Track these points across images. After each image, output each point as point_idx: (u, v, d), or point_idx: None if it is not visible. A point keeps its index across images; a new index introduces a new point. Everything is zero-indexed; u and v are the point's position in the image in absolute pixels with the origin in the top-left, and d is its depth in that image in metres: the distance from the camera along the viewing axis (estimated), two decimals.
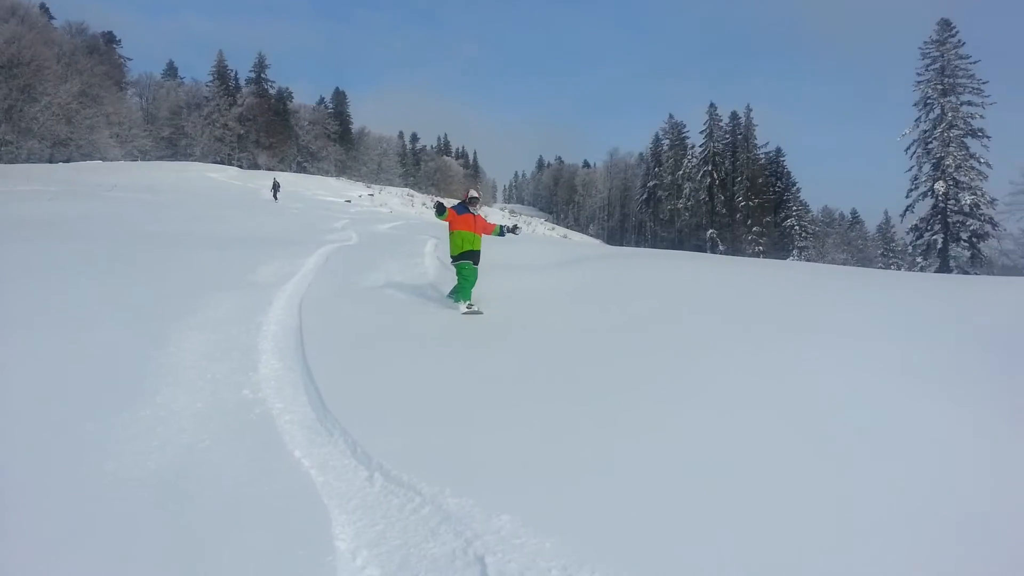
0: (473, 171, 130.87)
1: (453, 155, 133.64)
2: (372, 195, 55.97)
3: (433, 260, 14.56)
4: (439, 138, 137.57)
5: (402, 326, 8.59)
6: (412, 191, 70.93)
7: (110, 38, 76.84)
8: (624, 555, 3.15)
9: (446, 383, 6.17)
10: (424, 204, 56.85)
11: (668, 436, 4.72)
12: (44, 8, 66.02)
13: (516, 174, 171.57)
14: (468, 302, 9.34)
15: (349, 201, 46.95)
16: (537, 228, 55.68)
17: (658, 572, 3.01)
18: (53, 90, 53.00)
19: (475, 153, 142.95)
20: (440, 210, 9.30)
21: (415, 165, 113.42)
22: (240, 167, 72.00)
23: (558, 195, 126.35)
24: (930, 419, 4.83)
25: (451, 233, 9.63)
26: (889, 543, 3.23)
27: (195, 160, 71.56)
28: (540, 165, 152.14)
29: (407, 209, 51.45)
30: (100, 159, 55.71)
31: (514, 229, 11.16)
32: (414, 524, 3.45)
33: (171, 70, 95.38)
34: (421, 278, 12.54)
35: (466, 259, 9.56)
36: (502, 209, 76.94)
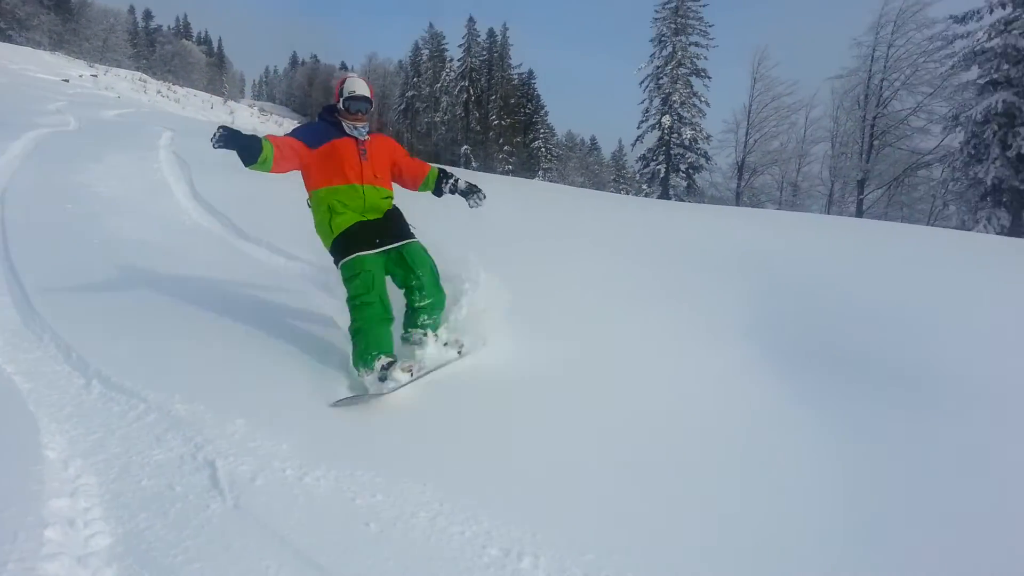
0: (218, 60, 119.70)
1: (195, 40, 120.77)
2: (96, 76, 49.14)
3: (168, 155, 13.29)
4: (178, 19, 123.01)
5: (127, 224, 7.83)
6: (145, 76, 63.34)
7: None
8: (356, 453, 3.24)
9: (176, 282, 5.76)
10: (160, 92, 51.28)
11: None
12: None
13: (267, 69, 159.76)
14: (391, 362, 4.01)
15: (67, 81, 40.82)
16: (288, 129, 52.90)
17: (392, 471, 3.13)
18: None
19: (220, 40, 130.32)
20: (250, 148, 3.75)
21: (149, 47, 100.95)
22: None
23: (313, 96, 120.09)
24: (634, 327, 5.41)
25: (313, 194, 4.44)
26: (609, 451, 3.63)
27: None
28: (294, 62, 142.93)
29: (139, 95, 46.07)
30: None
31: (471, 191, 4.94)
32: (137, 431, 3.24)
33: None
34: (153, 174, 11.43)
35: (362, 246, 4.27)
36: (251, 106, 71.50)
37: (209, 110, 49.18)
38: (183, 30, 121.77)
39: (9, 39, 70.98)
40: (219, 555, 2.46)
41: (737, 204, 37.63)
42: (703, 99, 42.24)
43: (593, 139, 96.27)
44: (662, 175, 41.58)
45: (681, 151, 41.59)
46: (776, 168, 38.62)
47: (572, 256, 7.22)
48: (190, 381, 3.76)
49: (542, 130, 75.94)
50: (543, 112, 78.33)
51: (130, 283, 5.68)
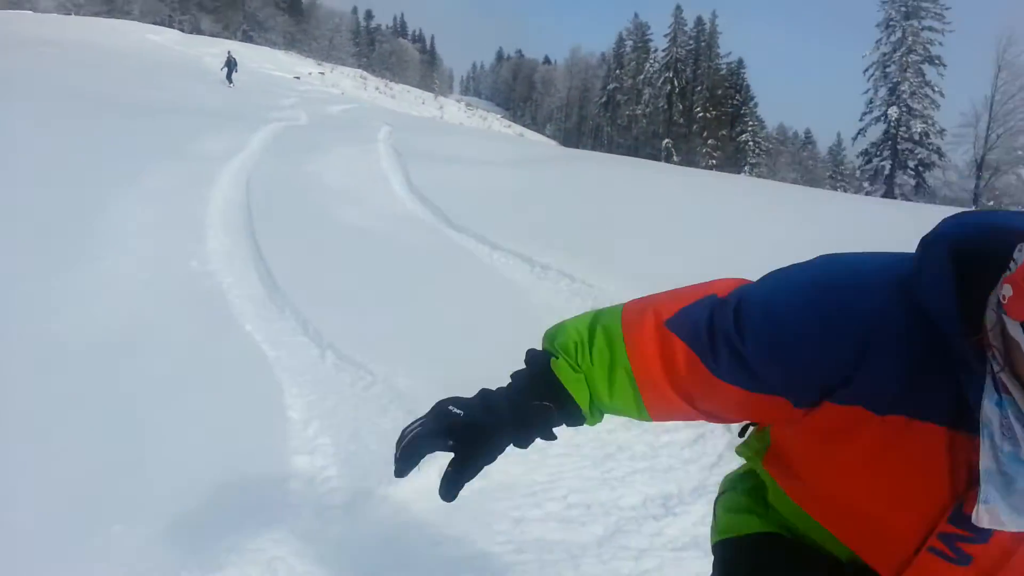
0: (430, 57, 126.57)
1: (409, 38, 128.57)
2: (323, 74, 53.80)
3: (387, 148, 14.28)
4: (395, 18, 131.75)
5: (350, 211, 8.52)
6: (366, 73, 68.37)
7: None
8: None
9: (394, 267, 6.22)
10: (377, 88, 55.09)
11: None
12: None
13: (475, 65, 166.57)
14: None
15: (298, 78, 45.02)
16: (493, 124, 54.64)
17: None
18: None
19: (432, 38, 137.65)
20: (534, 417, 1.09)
21: (369, 45, 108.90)
22: (182, 31, 68.05)
23: (516, 91, 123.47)
24: None
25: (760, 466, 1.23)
26: None
27: (133, 19, 67.23)
28: (500, 57, 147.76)
29: (360, 92, 49.84)
30: (30, 9, 51.87)
31: None
32: (365, 401, 3.56)
33: None
34: (373, 165, 12.33)
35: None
36: (458, 101, 75.11)
37: (421, 105, 52.16)
38: (400, 28, 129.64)
39: (250, 39, 79.38)
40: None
41: (975, 206, 34.08)
42: (937, 89, 38.63)
43: (808, 132, 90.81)
44: (887, 172, 38.56)
45: (910, 146, 38.32)
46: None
47: None
48: (410, 358, 4.06)
49: (751, 122, 72.91)
50: (752, 103, 75.19)
51: (356, 264, 6.21)
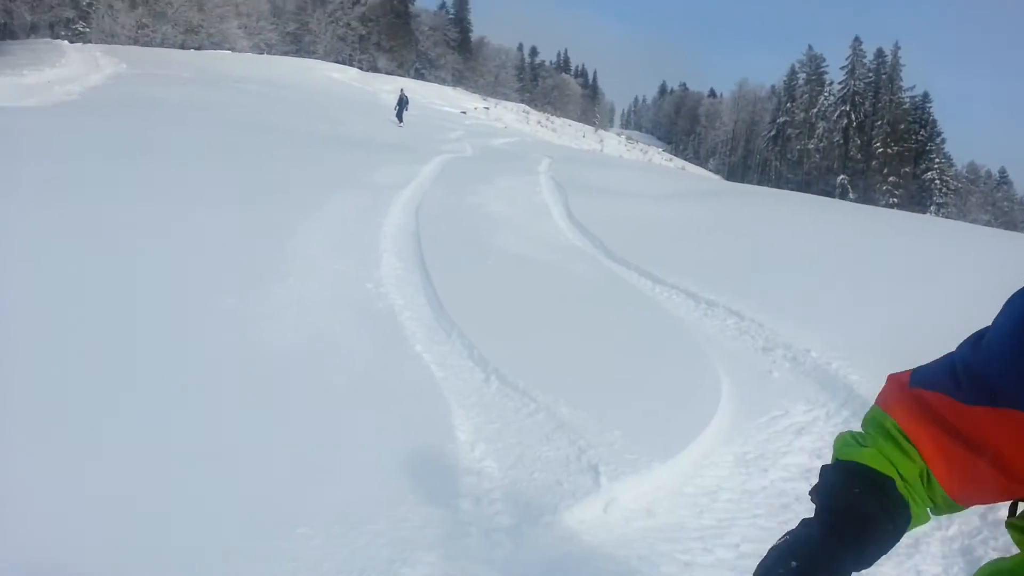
0: (591, 92, 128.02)
1: (572, 73, 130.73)
2: (487, 108, 55.78)
3: (548, 179, 14.55)
4: (559, 54, 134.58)
5: (512, 240, 8.72)
6: (528, 107, 70.20)
7: None
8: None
9: (555, 296, 6.30)
10: (539, 122, 56.35)
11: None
12: None
13: (636, 99, 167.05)
14: None
15: (464, 112, 46.99)
16: (654, 158, 54.30)
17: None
18: None
19: (595, 73, 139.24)
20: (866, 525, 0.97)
21: (532, 81, 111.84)
22: (360, 69, 72.92)
23: (679, 124, 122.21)
24: None
25: None
26: None
27: (317, 58, 72.82)
28: (662, 91, 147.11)
29: (522, 125, 51.21)
30: (228, 49, 57.52)
31: None
32: (529, 427, 3.62)
33: None
34: (534, 197, 12.59)
35: None
36: (619, 135, 75.26)
37: (581, 138, 52.76)
38: (563, 64, 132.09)
39: (422, 76, 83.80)
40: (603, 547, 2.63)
41: None
42: None
43: (1003, 171, 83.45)
44: None
45: None
46: None
47: None
48: (573, 387, 4.08)
49: (937, 159, 68.00)
50: (939, 139, 70.18)
51: (518, 292, 6.34)
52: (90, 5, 44.61)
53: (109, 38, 46.79)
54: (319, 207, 8.82)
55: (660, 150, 72.58)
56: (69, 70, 24.43)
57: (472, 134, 27.93)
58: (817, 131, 76.03)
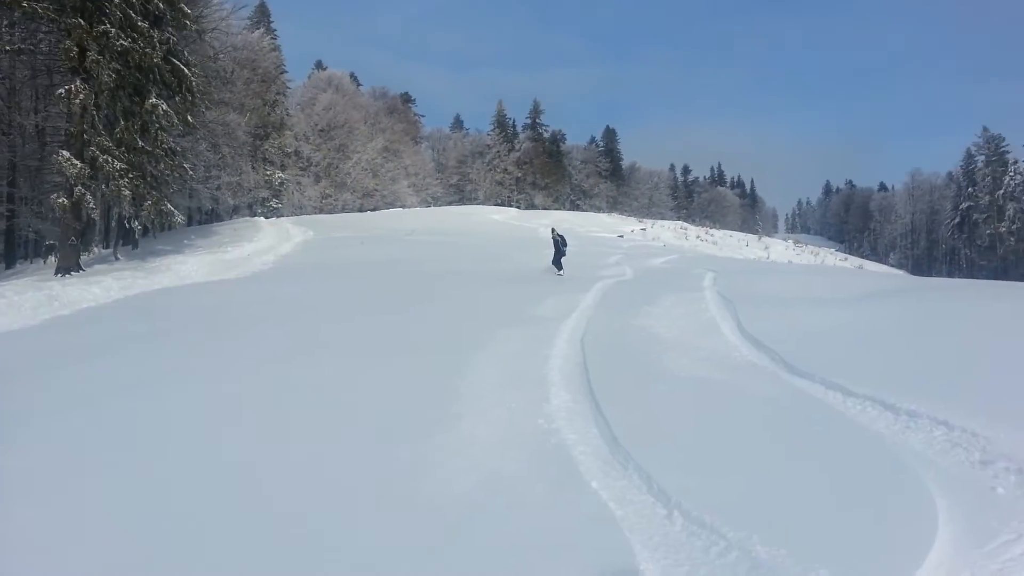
0: (750, 200, 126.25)
1: (728, 185, 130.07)
2: (644, 229, 56.17)
3: (714, 294, 14.17)
4: (712, 168, 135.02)
5: (682, 362, 8.43)
6: (685, 224, 70.08)
7: (407, 98, 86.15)
8: None
9: (734, 419, 5.92)
10: (698, 236, 55.90)
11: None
12: (353, 77, 75.70)
13: (800, 202, 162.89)
14: None
15: (622, 236, 47.55)
16: (827, 259, 51.85)
17: None
18: (362, 148, 61.15)
19: (752, 181, 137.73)
20: None
21: (687, 197, 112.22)
22: (518, 208, 76.56)
23: (849, 222, 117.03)
24: None
25: None
26: None
27: (478, 203, 77.45)
28: (827, 190, 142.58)
29: (680, 242, 50.92)
30: (400, 206, 62.58)
31: None
32: (722, 568, 3.32)
33: (458, 123, 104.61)
34: (701, 313, 12.25)
35: None
36: (785, 240, 72.88)
37: (744, 248, 51.58)
38: (717, 178, 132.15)
39: (576, 207, 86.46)
40: None
41: None
42: None
43: None
44: None
45: None
46: None
47: None
48: (766, 521, 3.73)
49: None
50: None
51: (694, 418, 6.03)
52: (281, 184, 50.35)
53: (298, 210, 52.44)
54: (485, 346, 9.04)
55: (832, 250, 69.16)
56: (265, 243, 27.39)
57: (631, 256, 28.05)
58: (1008, 213, 70.01)
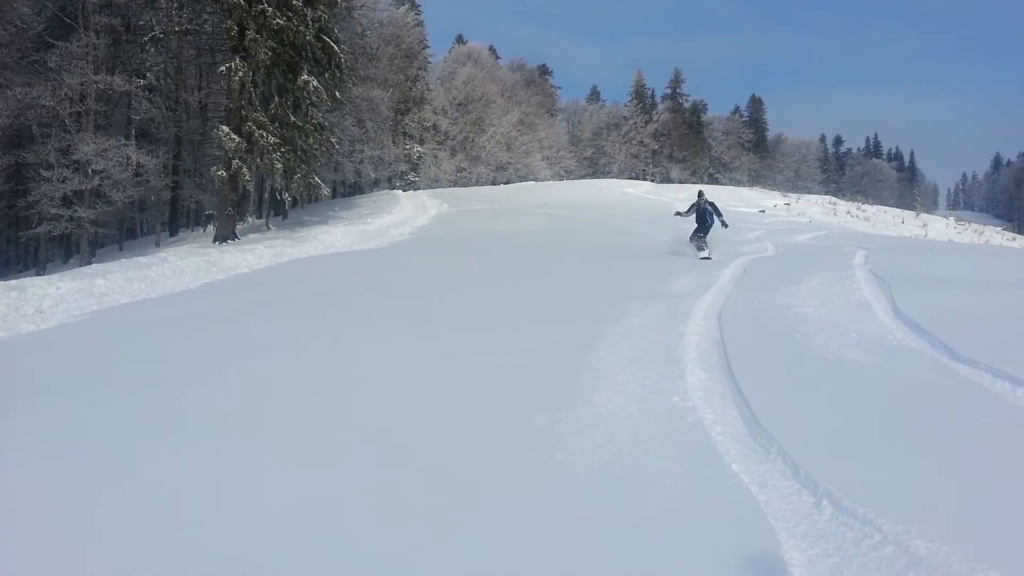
0: (909, 174, 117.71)
1: (884, 157, 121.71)
2: (788, 204, 53.51)
3: (865, 273, 13.32)
4: (868, 139, 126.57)
5: (830, 344, 7.97)
6: (835, 199, 66.18)
7: (544, 70, 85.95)
8: None
9: (888, 407, 5.53)
10: (848, 212, 52.75)
11: None
12: (492, 50, 76.25)
13: (964, 176, 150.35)
14: None
15: (763, 211, 45.54)
16: (992, 239, 47.58)
17: None
18: (497, 121, 61.72)
19: (911, 153, 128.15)
20: None
21: (838, 171, 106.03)
22: (653, 181, 75.00)
23: (1021, 199, 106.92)
24: None
25: None
26: None
27: (612, 177, 76.45)
28: (996, 163, 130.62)
29: (828, 218, 48.20)
30: (532, 179, 62.81)
31: None
32: (875, 563, 3.10)
33: (594, 94, 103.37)
34: (852, 293, 11.54)
35: None
36: (945, 217, 67.51)
37: (900, 225, 48.22)
38: (872, 150, 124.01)
39: (715, 181, 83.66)
40: None
41: None
42: None
43: None
44: None
45: None
46: None
47: None
48: (926, 516, 3.46)
49: None
50: None
51: (845, 402, 5.69)
52: (419, 158, 51.81)
53: (434, 183, 53.84)
54: (619, 320, 8.92)
55: (999, 229, 63.29)
56: (402, 215, 28.32)
57: (773, 232, 26.85)
58: None
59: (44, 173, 23.17)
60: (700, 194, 17.18)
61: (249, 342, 8.18)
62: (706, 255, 15.52)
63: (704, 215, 16.41)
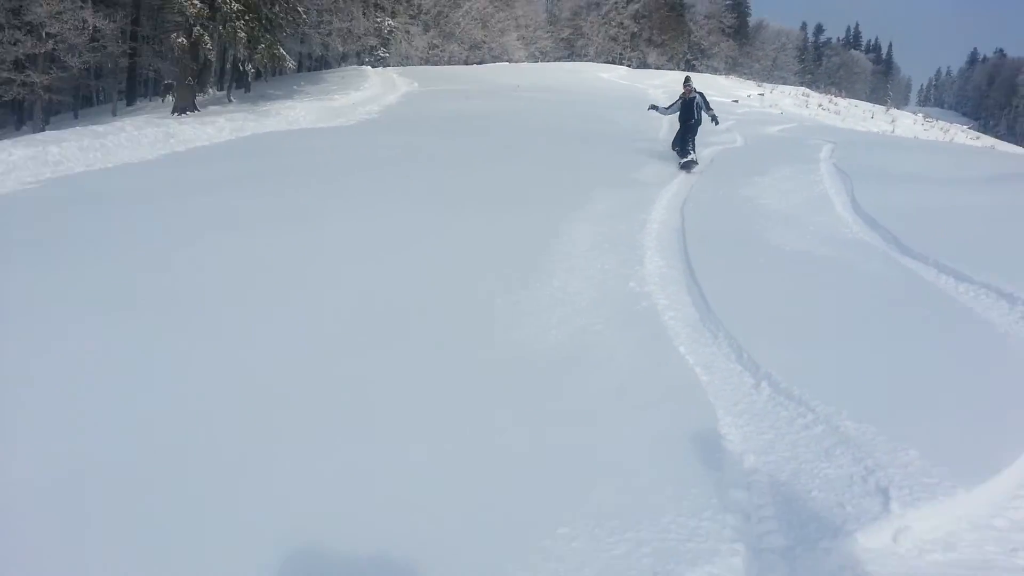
0: (884, 68, 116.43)
1: (863, 48, 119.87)
2: (762, 95, 52.82)
3: (829, 167, 13.42)
4: (848, 28, 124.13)
5: (788, 236, 8.13)
6: (808, 91, 65.48)
7: None
8: None
9: (837, 297, 5.73)
10: (820, 105, 52.43)
11: None
12: None
13: (939, 71, 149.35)
14: None
15: (736, 101, 44.95)
16: (956, 137, 47.79)
17: None
18: None
19: (890, 46, 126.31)
20: None
21: (815, 61, 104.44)
22: (629, 66, 73.24)
23: (991, 97, 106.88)
24: None
25: None
26: None
27: (588, 59, 74.36)
28: (972, 60, 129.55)
29: (800, 110, 47.85)
30: (507, 60, 60.86)
31: None
32: (805, 440, 3.32)
33: None
34: (814, 186, 11.66)
35: None
36: (914, 114, 67.47)
37: (869, 120, 48.14)
38: (852, 40, 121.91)
39: (692, 68, 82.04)
40: None
41: None
42: None
43: None
44: None
45: None
46: None
47: None
48: (857, 399, 3.67)
49: None
50: None
51: (794, 293, 5.88)
52: (390, 32, 49.72)
53: (404, 60, 51.89)
54: (582, 206, 8.95)
55: (964, 128, 63.42)
56: (370, 92, 27.43)
57: (744, 123, 26.64)
58: None
59: None
60: (687, 82, 13.47)
61: (210, 216, 8.09)
62: (692, 159, 12.65)
63: (691, 110, 13.01)
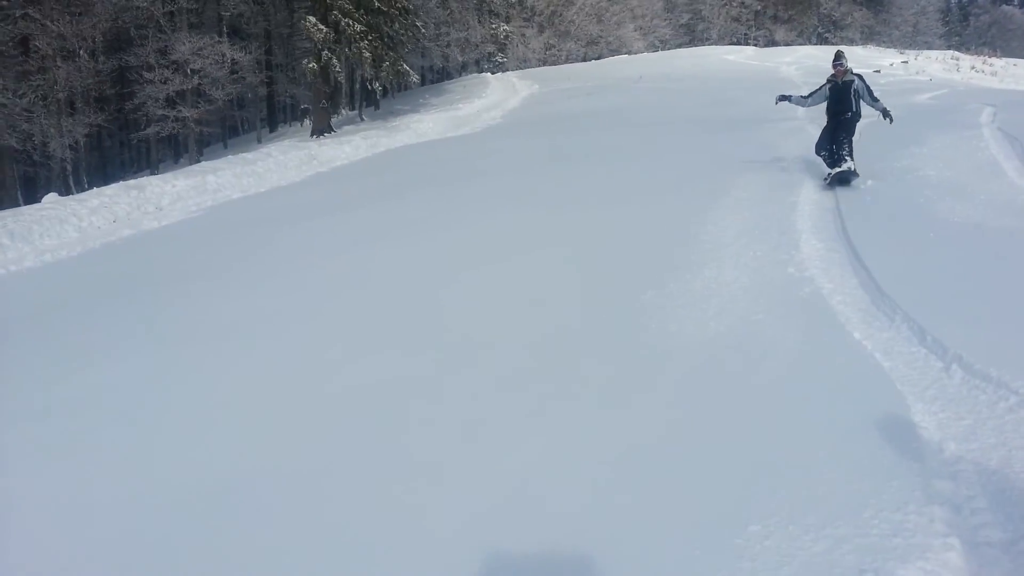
0: None
1: (1015, 3, 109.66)
2: (906, 62, 49.27)
3: (993, 131, 12.32)
4: None
5: (957, 207, 7.51)
6: (958, 53, 60.53)
7: None
8: None
9: (1019, 272, 5.22)
10: (973, 68, 48.39)
11: None
12: None
13: None
14: None
15: (878, 71, 42.14)
16: None
17: None
18: None
19: None
20: None
21: (961, 22, 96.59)
22: (756, 46, 70.45)
23: None
24: None
25: None
26: None
27: (711, 44, 72.07)
28: None
29: (951, 75, 44.24)
30: (626, 53, 60.05)
31: None
32: (1012, 424, 3.02)
33: None
34: (979, 153, 10.74)
35: None
36: None
37: None
38: None
39: (825, 41, 77.80)
40: None
41: None
42: None
43: None
44: None
45: None
46: None
47: None
48: None
49: None
50: None
51: (973, 267, 5.42)
52: (507, 38, 50.35)
53: (522, 63, 52.32)
54: (726, 192, 8.66)
55: None
56: (492, 98, 27.86)
57: (890, 93, 24.78)
58: None
59: (146, 75, 24.08)
60: (838, 59, 9.41)
61: (361, 229, 8.49)
62: (848, 167, 8.70)
63: (846, 98, 9.11)
